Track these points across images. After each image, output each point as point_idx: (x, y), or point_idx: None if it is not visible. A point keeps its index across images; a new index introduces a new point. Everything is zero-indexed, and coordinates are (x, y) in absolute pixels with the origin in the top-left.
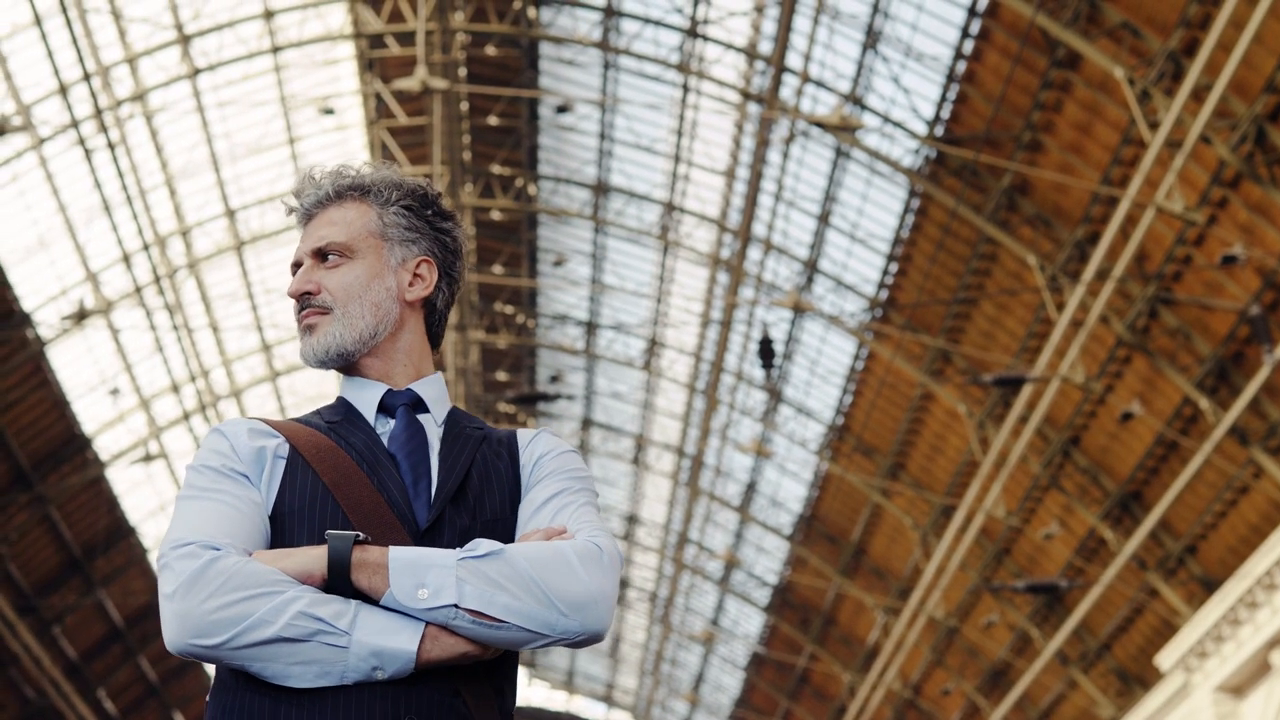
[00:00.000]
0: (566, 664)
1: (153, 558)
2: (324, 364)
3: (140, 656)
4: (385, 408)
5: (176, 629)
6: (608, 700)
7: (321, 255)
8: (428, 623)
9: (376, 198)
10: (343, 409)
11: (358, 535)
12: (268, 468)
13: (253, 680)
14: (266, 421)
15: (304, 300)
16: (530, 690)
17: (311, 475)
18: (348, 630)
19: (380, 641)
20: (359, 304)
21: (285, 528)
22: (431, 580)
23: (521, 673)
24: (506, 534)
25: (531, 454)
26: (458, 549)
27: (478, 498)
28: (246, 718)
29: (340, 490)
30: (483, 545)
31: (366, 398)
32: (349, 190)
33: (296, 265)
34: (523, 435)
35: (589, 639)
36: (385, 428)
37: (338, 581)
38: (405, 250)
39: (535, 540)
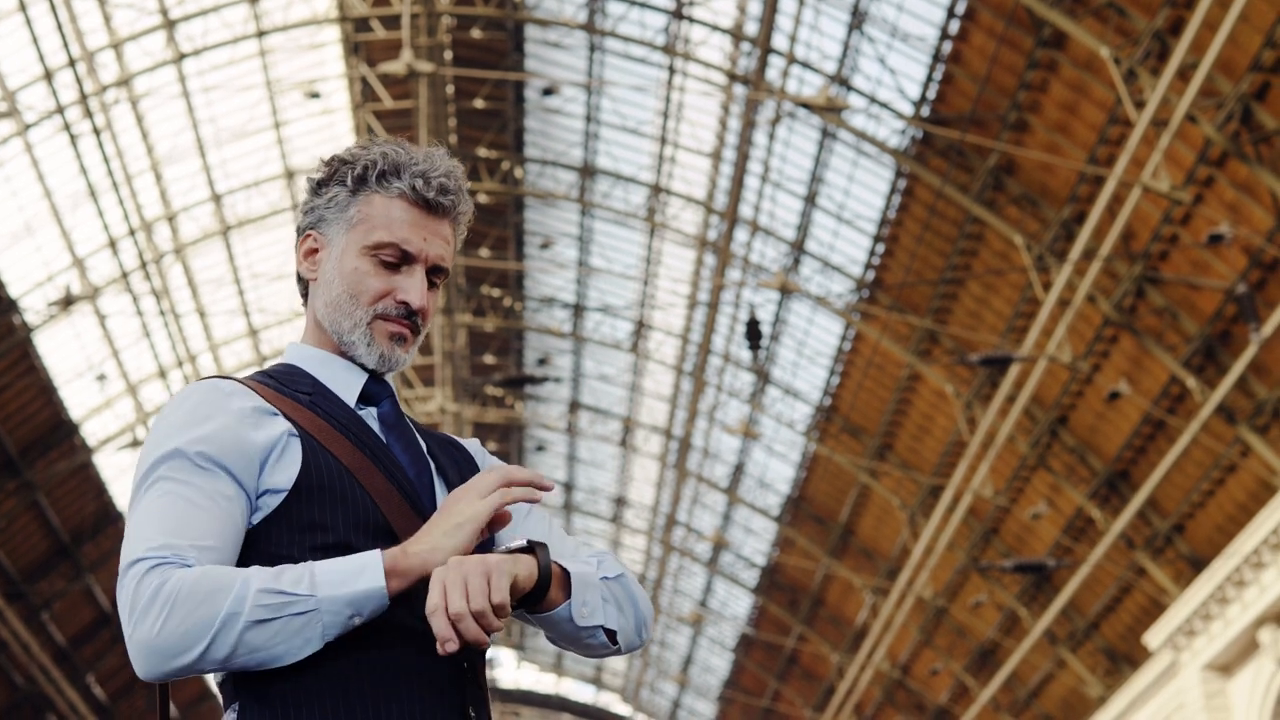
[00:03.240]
0: (554, 647)
1: None
2: (382, 372)
3: None
4: (365, 395)
5: (144, 663)
6: (596, 683)
7: (435, 270)
8: (381, 556)
9: (456, 220)
10: (308, 383)
11: (546, 545)
12: (280, 445)
13: (310, 682)
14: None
15: (410, 315)
16: (519, 673)
17: (328, 455)
18: (310, 592)
19: (348, 590)
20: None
21: (312, 503)
22: (590, 599)
23: (510, 656)
24: None
25: (484, 461)
26: (592, 567)
27: None
28: None
29: (362, 475)
30: (611, 565)
31: (349, 381)
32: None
33: (406, 255)
34: (466, 441)
35: (627, 654)
36: (364, 414)
37: (534, 591)
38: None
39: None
